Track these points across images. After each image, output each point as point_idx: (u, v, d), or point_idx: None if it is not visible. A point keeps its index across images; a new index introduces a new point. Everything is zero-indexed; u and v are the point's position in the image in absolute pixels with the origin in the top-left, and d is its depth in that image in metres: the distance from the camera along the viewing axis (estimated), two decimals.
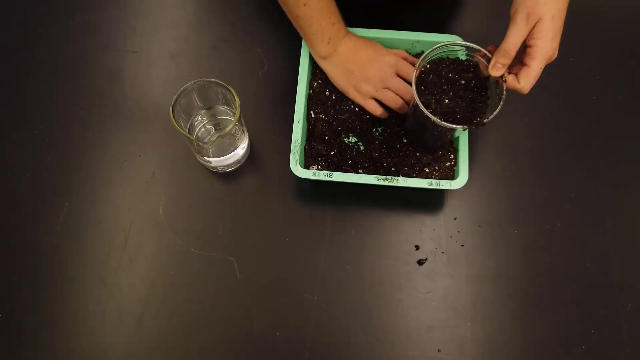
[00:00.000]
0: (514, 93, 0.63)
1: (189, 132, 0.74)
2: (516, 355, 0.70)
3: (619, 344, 0.70)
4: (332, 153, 0.75)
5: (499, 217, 0.76)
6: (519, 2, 0.61)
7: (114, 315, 0.71)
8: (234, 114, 0.68)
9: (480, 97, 0.66)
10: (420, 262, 0.73)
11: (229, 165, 0.76)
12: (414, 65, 0.73)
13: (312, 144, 0.76)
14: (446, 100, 0.66)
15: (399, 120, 0.76)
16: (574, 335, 0.71)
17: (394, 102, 0.74)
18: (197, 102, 0.73)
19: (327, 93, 0.77)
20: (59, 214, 0.75)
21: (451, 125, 0.63)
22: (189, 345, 0.70)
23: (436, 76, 0.66)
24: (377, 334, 0.71)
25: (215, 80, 0.69)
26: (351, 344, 0.70)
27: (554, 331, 0.71)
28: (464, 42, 0.65)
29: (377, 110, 0.74)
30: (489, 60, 0.63)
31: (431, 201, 0.76)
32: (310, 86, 0.77)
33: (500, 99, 0.62)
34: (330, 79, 0.75)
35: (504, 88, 0.62)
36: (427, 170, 0.74)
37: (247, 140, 0.76)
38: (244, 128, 0.74)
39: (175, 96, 0.68)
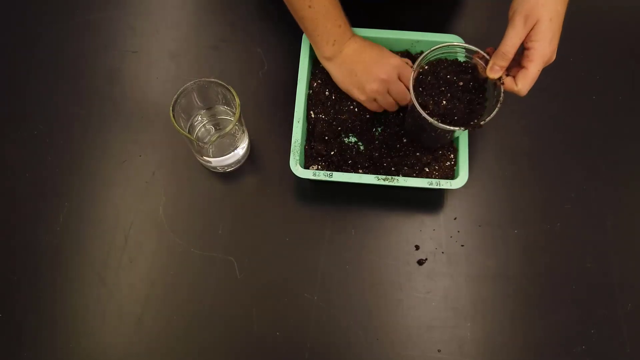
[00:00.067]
0: (513, 94, 0.63)
1: (189, 132, 0.74)
2: (516, 355, 0.70)
3: (619, 344, 0.70)
4: (332, 153, 0.75)
5: (499, 217, 0.76)
6: (517, 4, 0.61)
7: (114, 315, 0.71)
8: (234, 114, 0.68)
9: (478, 99, 0.66)
10: (420, 262, 0.74)
11: (229, 165, 0.76)
12: None
13: (312, 144, 0.76)
14: (444, 102, 0.66)
15: (398, 120, 0.76)
16: (574, 335, 0.71)
17: (392, 107, 0.74)
18: (197, 102, 0.73)
19: (326, 93, 0.77)
20: (59, 214, 0.75)
21: (448, 127, 0.63)
22: (189, 345, 0.70)
23: (434, 77, 0.66)
24: (377, 334, 0.71)
25: (215, 80, 0.69)
26: (351, 344, 0.70)
27: (554, 331, 0.71)
28: (462, 44, 0.65)
29: (379, 110, 0.74)
30: (487, 62, 0.63)
31: (431, 201, 0.76)
32: (310, 86, 0.77)
33: (497, 101, 0.62)
34: (333, 79, 0.75)
35: (502, 90, 0.62)
36: (427, 170, 0.74)
37: (247, 140, 0.76)
38: (244, 128, 0.74)
39: (175, 96, 0.68)
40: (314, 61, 0.78)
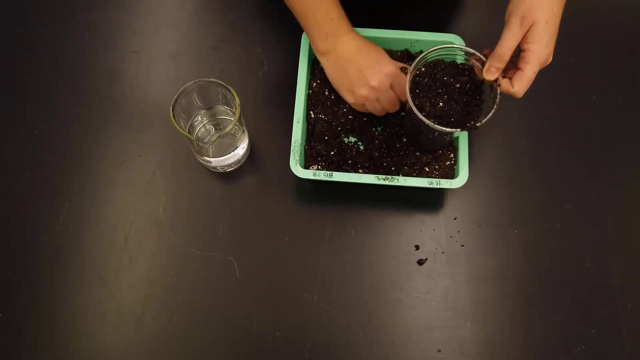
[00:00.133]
0: (509, 96, 0.63)
1: (189, 132, 0.74)
2: (516, 355, 0.70)
3: (619, 344, 0.70)
4: (332, 153, 0.75)
5: (499, 217, 0.76)
6: (513, 6, 0.61)
7: (114, 315, 0.71)
8: (234, 114, 0.68)
9: (475, 101, 0.66)
10: (420, 262, 0.74)
11: (229, 165, 0.76)
12: None
13: (312, 144, 0.76)
14: (440, 104, 0.66)
15: (398, 120, 0.76)
16: (574, 335, 0.71)
17: (380, 113, 0.73)
18: (197, 102, 0.73)
19: (326, 93, 0.77)
20: (59, 214, 0.75)
21: (445, 129, 0.63)
22: (189, 345, 0.70)
23: (431, 79, 0.66)
24: (377, 334, 0.71)
25: (215, 80, 0.69)
26: (351, 344, 0.70)
27: (554, 331, 0.71)
28: (458, 46, 0.65)
29: (367, 112, 0.74)
30: (483, 64, 0.63)
31: (431, 201, 0.76)
32: (309, 86, 0.77)
33: (494, 102, 0.63)
34: (326, 75, 0.74)
35: (498, 92, 0.62)
36: (427, 170, 0.74)
37: (247, 140, 0.76)
38: (244, 128, 0.74)
39: (175, 96, 0.68)
40: (314, 61, 0.78)
